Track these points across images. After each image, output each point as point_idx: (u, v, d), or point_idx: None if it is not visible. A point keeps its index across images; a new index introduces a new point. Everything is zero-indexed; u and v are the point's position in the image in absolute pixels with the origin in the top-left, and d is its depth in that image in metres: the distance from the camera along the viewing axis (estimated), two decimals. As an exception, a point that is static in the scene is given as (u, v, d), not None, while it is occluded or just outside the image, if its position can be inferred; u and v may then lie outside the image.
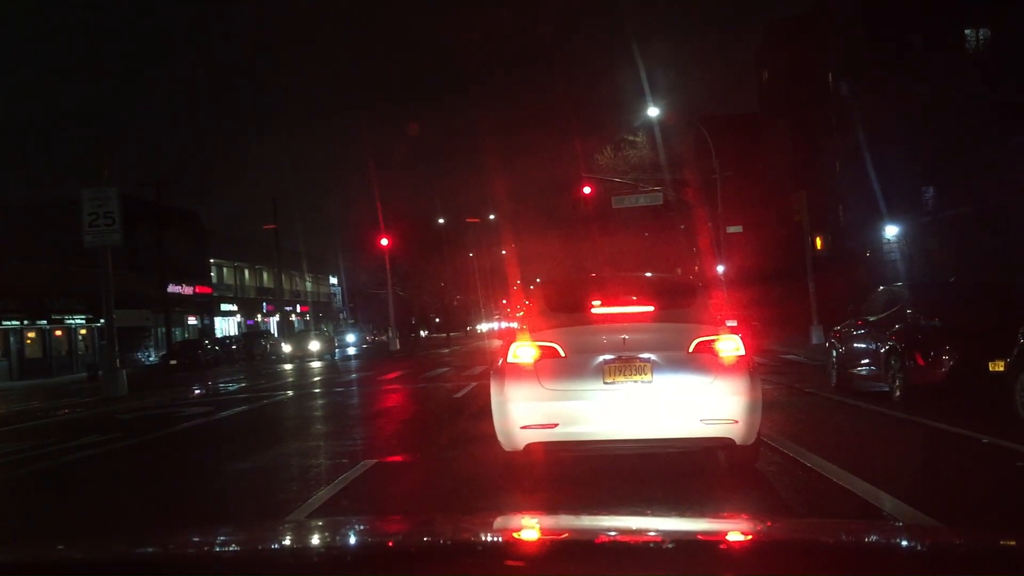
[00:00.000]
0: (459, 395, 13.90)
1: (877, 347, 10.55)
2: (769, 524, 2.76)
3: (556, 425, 5.84)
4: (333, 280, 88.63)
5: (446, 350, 37.33)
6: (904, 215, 40.42)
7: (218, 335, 54.32)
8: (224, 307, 62.01)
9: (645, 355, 5.88)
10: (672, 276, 8.65)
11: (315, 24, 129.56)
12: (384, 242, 44.70)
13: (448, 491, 6.49)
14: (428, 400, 14.07)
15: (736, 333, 6.12)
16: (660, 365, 5.86)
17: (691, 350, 5.92)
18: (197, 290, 56.63)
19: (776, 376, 14.37)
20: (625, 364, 5.86)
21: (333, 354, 39.18)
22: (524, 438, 5.94)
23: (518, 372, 5.97)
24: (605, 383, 5.85)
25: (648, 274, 10.30)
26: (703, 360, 5.89)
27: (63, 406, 18.11)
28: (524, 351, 6.02)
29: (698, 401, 5.81)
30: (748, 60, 58.60)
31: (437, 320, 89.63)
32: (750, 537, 2.20)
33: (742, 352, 5.97)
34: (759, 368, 6.85)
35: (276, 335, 57.98)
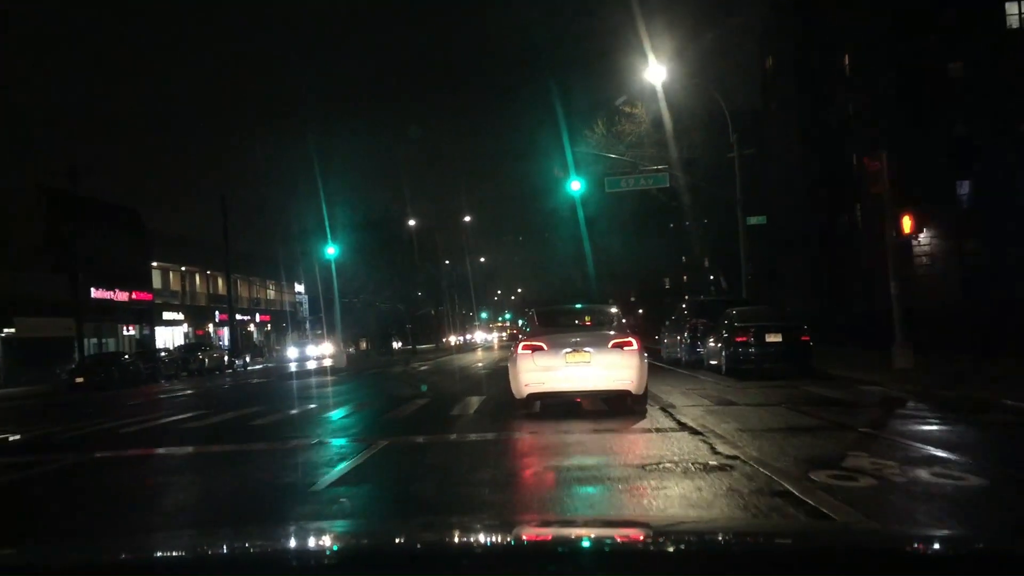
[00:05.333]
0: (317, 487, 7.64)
1: None
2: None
3: (544, 384, 10.68)
4: (300, 288, 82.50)
5: (398, 369, 30.98)
6: (935, 210, 35.29)
7: (166, 347, 47.76)
8: (167, 315, 55.61)
9: (587, 349, 10.59)
10: (603, 307, 14.25)
11: (282, 26, 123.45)
12: (331, 250, 39.95)
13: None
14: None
15: (634, 337, 10.87)
16: (594, 354, 10.55)
17: (610, 346, 10.64)
18: (135, 296, 50.34)
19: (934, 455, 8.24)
20: (577, 353, 10.57)
21: None
22: (527, 391, 10.75)
23: (523, 357, 10.76)
24: (567, 363, 10.57)
25: (590, 305, 15.48)
26: (615, 352, 10.61)
27: None
28: (526, 346, 10.88)
29: (612, 371, 10.52)
30: (750, 51, 53.37)
31: (411, 329, 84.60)
32: (753, 540, 2.29)
33: (635, 346, 10.64)
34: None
35: (227, 346, 51.91)
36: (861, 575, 1.81)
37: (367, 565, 1.97)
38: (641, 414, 10.33)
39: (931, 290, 34.64)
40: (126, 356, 36.75)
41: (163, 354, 40.04)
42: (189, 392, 24.54)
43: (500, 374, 22.33)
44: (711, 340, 18.11)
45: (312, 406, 14.62)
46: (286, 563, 2.12)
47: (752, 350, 15.99)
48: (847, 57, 42.96)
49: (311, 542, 2.41)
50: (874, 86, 38.78)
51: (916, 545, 2.10)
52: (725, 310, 17.83)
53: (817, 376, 15.10)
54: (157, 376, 35.26)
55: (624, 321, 12.03)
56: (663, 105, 22.79)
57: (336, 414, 13.01)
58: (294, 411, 13.78)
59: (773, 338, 15.86)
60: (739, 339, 16.08)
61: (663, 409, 10.91)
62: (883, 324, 24.96)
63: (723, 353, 16.61)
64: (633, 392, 10.47)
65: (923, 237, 37.11)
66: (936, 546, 2.09)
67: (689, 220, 28.61)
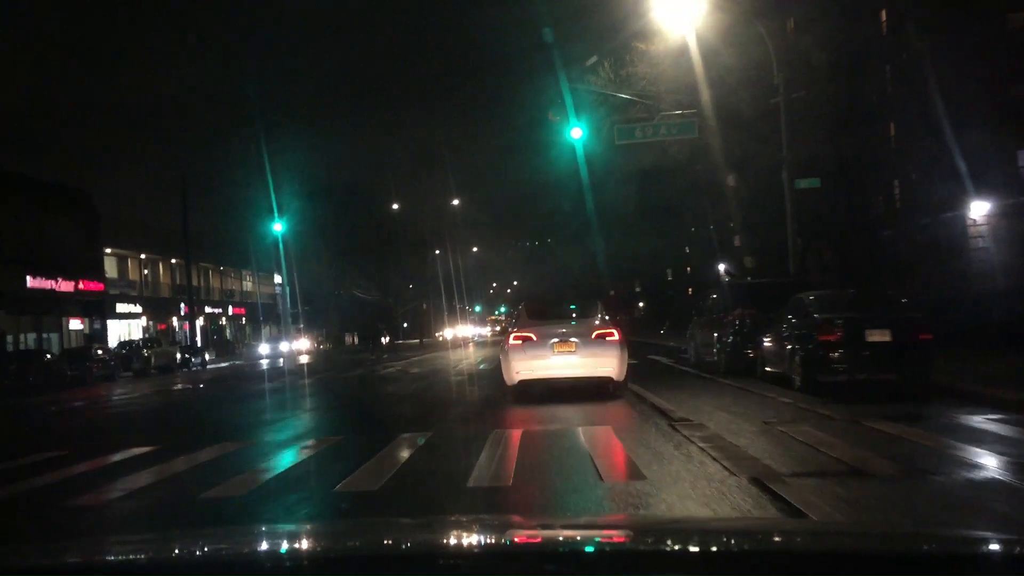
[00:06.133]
0: None
1: None
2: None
3: (533, 371, 11.73)
4: (280, 279, 77.25)
5: (357, 371, 25.44)
6: (992, 189, 30.18)
7: (103, 344, 42.23)
8: (122, 308, 50.07)
9: (573, 338, 11.74)
10: (587, 300, 14.40)
11: (264, 13, 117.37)
12: (278, 226, 35.03)
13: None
14: None
15: (616, 329, 11.99)
16: (579, 343, 11.67)
17: (593, 336, 11.72)
18: (83, 286, 44.83)
19: None
20: (564, 343, 11.69)
21: None
22: (518, 378, 11.79)
23: (514, 348, 11.81)
24: (555, 352, 11.64)
25: (575, 299, 15.51)
26: (597, 340, 11.67)
27: None
28: (517, 337, 11.91)
29: (596, 359, 11.64)
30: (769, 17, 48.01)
31: (405, 325, 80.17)
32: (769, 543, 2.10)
33: (616, 337, 11.75)
34: None
35: (187, 342, 46.55)
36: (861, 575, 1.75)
37: (363, 565, 1.90)
38: (620, 398, 11.55)
39: (987, 277, 29.44)
40: (48, 355, 31.31)
41: (99, 352, 34.62)
42: (77, 404, 19.07)
43: (476, 382, 17.06)
44: (768, 339, 12.75)
45: (140, 451, 8.81)
46: (282, 563, 2.06)
47: (843, 353, 10.56)
48: (884, 12, 37.59)
49: (306, 543, 2.35)
50: (914, 49, 33.30)
51: (915, 546, 1.99)
52: (793, 296, 12.42)
53: (950, 394, 9.70)
54: (86, 378, 29.95)
55: (607, 317, 12.68)
56: (691, 37, 17.43)
57: (138, 476, 7.23)
58: (82, 467, 7.92)
59: (878, 336, 10.40)
60: (823, 337, 10.65)
61: (757, 482, 5.40)
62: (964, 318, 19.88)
63: (795, 358, 11.21)
64: (615, 378, 11.77)
65: (981, 216, 31.97)
66: (935, 547, 1.97)
67: (719, 178, 23.21)
